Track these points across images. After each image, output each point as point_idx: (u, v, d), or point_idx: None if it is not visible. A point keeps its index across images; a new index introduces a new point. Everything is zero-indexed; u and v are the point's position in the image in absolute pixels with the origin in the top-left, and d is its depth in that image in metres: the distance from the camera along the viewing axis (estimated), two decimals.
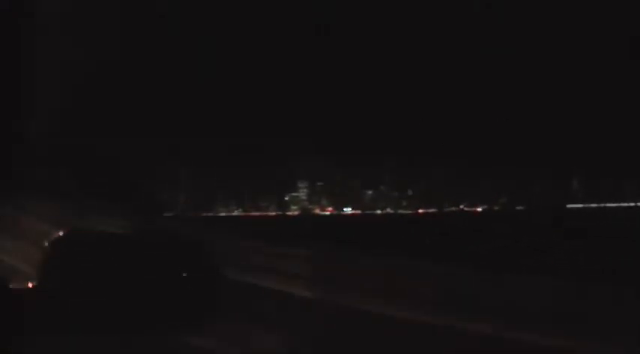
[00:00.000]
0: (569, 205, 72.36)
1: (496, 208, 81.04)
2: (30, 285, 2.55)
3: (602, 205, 70.21)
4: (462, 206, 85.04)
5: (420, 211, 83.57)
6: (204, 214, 69.46)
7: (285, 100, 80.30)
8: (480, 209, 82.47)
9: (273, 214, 79.10)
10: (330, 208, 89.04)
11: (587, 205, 70.89)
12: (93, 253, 2.38)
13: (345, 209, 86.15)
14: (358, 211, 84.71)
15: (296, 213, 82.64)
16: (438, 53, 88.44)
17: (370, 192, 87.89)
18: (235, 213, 76.23)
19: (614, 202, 69.88)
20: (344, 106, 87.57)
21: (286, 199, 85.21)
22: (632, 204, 68.25)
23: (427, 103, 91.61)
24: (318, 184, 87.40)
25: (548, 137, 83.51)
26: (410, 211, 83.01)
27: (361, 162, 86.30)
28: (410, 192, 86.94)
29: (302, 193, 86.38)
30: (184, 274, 2.40)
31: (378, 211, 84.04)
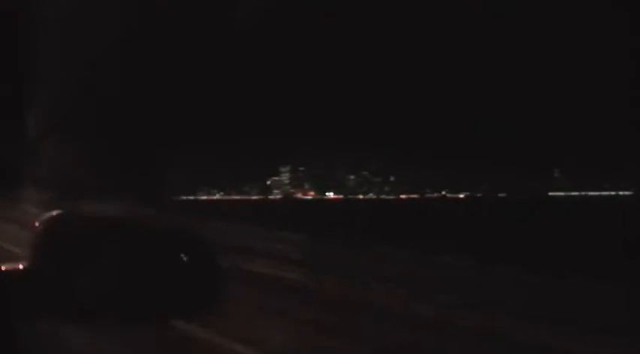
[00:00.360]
0: (551, 193, 72.62)
1: (478, 194, 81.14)
2: (21, 266, 2.14)
3: (584, 193, 70.54)
4: (444, 192, 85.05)
5: (403, 196, 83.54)
6: (184, 198, 68.60)
7: (270, 87, 79.52)
8: (462, 196, 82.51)
9: (256, 197, 78.58)
10: (311, 193, 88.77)
11: (568, 194, 71.16)
12: (85, 233, 2.01)
13: (327, 194, 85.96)
14: (340, 196, 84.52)
15: (278, 197, 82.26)
16: (427, 46, 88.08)
17: (353, 177, 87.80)
18: (216, 196, 75.62)
19: (595, 191, 70.27)
20: (329, 93, 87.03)
21: (268, 183, 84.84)
22: (614, 193, 68.69)
23: (413, 92, 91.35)
24: (300, 168, 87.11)
25: (533, 126, 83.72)
26: (392, 197, 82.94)
27: (344, 147, 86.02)
28: (392, 178, 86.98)
29: (284, 178, 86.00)
30: (183, 258, 2.03)
31: (361, 196, 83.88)
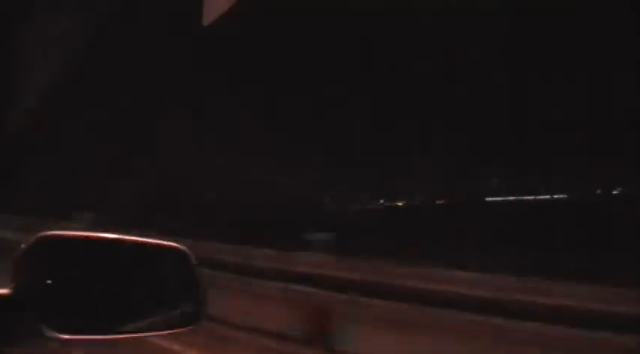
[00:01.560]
0: (488, 199, 74.52)
1: (415, 202, 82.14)
2: (5, 291, 1.93)
3: (521, 198, 72.79)
4: (381, 201, 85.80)
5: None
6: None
7: (215, 91, 77.95)
8: (399, 204, 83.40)
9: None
10: None
11: (505, 199, 73.21)
12: (70, 255, 1.87)
13: None
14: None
15: None
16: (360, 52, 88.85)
17: None
18: None
19: (532, 196, 72.62)
20: (272, 99, 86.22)
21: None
22: (548, 197, 71.27)
23: (350, 99, 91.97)
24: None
25: (471, 130, 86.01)
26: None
27: (281, 157, 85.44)
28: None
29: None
30: (167, 275, 1.95)
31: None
